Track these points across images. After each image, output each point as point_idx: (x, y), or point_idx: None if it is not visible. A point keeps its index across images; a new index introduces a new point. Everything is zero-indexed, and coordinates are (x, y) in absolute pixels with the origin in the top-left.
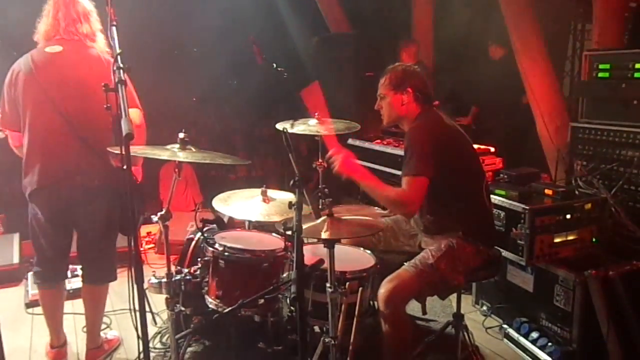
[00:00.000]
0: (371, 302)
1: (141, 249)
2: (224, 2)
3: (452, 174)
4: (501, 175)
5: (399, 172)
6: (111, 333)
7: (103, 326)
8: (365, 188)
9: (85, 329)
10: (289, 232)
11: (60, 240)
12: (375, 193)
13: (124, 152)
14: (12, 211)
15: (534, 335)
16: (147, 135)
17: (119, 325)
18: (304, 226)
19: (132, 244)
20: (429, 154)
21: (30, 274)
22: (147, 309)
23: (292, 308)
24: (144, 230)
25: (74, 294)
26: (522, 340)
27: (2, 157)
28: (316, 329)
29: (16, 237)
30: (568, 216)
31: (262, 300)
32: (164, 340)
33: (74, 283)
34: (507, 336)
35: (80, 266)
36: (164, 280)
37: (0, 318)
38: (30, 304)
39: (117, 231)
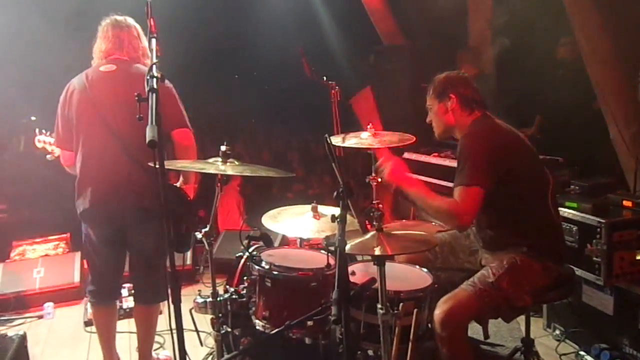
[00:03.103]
0: (429, 325)
1: (197, 267)
2: (276, 18)
3: (511, 183)
4: (572, 186)
5: None
6: (163, 353)
7: (156, 345)
8: (415, 198)
9: (138, 349)
10: (332, 248)
11: (112, 259)
12: (425, 203)
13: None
14: (77, 230)
15: None
16: (205, 155)
17: (172, 346)
18: (353, 242)
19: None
20: (484, 163)
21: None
22: (194, 329)
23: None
24: (200, 249)
25: (129, 313)
26: None
27: (68, 177)
28: (370, 352)
29: (78, 255)
30: None
31: (310, 322)
32: None
33: (130, 302)
34: None
35: (132, 284)
36: (210, 299)
37: (60, 335)
38: (88, 323)
39: (166, 251)
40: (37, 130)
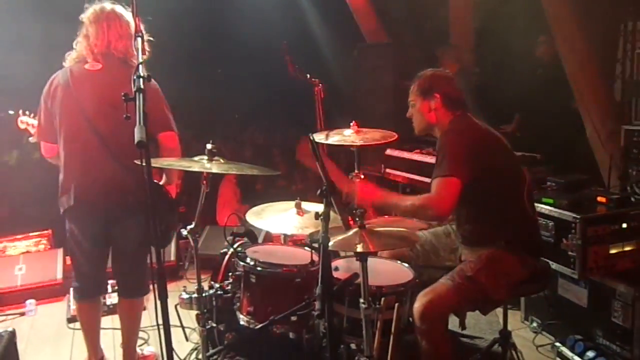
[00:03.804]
0: (410, 319)
1: (180, 263)
2: (260, 14)
3: (489, 178)
4: (548, 183)
5: None
6: (148, 349)
7: (140, 342)
8: (390, 207)
9: (122, 345)
10: (316, 245)
11: (96, 256)
12: (400, 208)
13: (142, 162)
14: (59, 227)
15: (590, 354)
16: (186, 150)
17: (156, 341)
18: (335, 239)
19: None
20: (462, 156)
21: (72, 289)
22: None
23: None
24: (184, 245)
25: (113, 310)
26: (577, 359)
27: (49, 174)
28: (353, 346)
29: (60, 252)
30: (624, 225)
31: (294, 317)
32: (199, 357)
33: (114, 298)
34: (560, 355)
35: (115, 280)
36: (195, 295)
37: (42, 332)
38: (71, 319)
39: (150, 246)
40: (20, 111)
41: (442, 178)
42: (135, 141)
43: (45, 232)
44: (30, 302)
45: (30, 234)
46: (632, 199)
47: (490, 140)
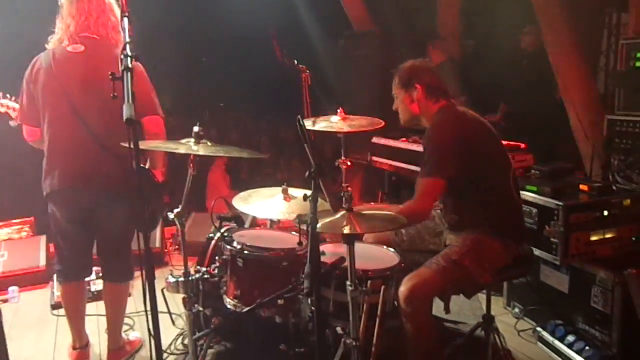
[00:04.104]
0: (396, 303)
1: (165, 250)
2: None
3: (475, 168)
4: (532, 171)
5: None
6: (133, 334)
7: (125, 327)
8: None
9: (107, 330)
10: (304, 226)
11: (79, 240)
12: None
13: (130, 141)
14: (41, 213)
15: (570, 338)
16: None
17: (142, 327)
18: (323, 221)
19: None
20: (448, 152)
21: (55, 276)
22: (167, 310)
23: (313, 309)
24: (168, 232)
25: (98, 296)
26: (557, 343)
27: (31, 161)
28: (339, 330)
29: (43, 239)
30: (605, 213)
31: (281, 301)
32: (185, 342)
33: (98, 285)
34: (541, 339)
35: (100, 265)
36: (181, 279)
37: (26, 319)
38: (55, 306)
39: (134, 232)
40: (0, 94)
41: (425, 179)
42: (124, 118)
43: (28, 219)
44: (13, 289)
45: (12, 221)
46: (614, 187)
47: (477, 130)
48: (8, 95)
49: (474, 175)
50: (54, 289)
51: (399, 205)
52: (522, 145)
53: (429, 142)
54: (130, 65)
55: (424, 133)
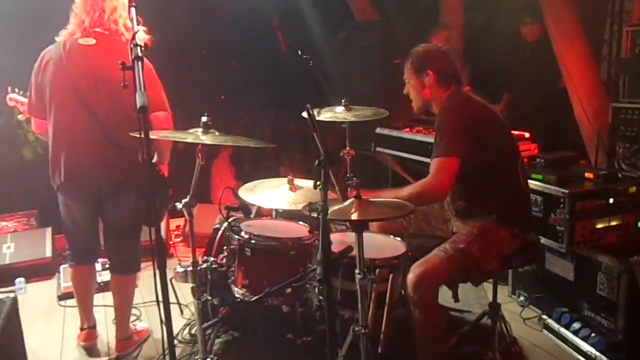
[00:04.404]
0: (403, 292)
1: (170, 242)
2: None
3: (485, 154)
4: (537, 159)
5: (428, 160)
6: (140, 325)
7: (133, 318)
8: None
9: (114, 321)
10: (314, 214)
11: (88, 230)
12: (398, 199)
13: (141, 129)
14: (45, 206)
15: (576, 325)
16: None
17: (149, 317)
18: (332, 208)
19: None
20: (461, 134)
21: (62, 267)
22: (175, 300)
23: (320, 297)
24: (173, 223)
25: (105, 287)
26: (563, 331)
27: (33, 154)
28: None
29: (49, 231)
30: (611, 200)
31: (289, 290)
32: (192, 331)
33: (105, 276)
34: (547, 327)
35: (107, 256)
36: (190, 268)
37: (33, 310)
38: (62, 297)
39: (141, 224)
40: (9, 89)
41: (441, 158)
42: (138, 106)
43: (32, 211)
44: (20, 281)
45: (17, 214)
46: (619, 175)
47: (487, 116)
48: (17, 90)
49: (483, 160)
50: (61, 280)
51: (409, 185)
52: (527, 135)
53: (443, 125)
54: (140, 54)
55: (434, 120)
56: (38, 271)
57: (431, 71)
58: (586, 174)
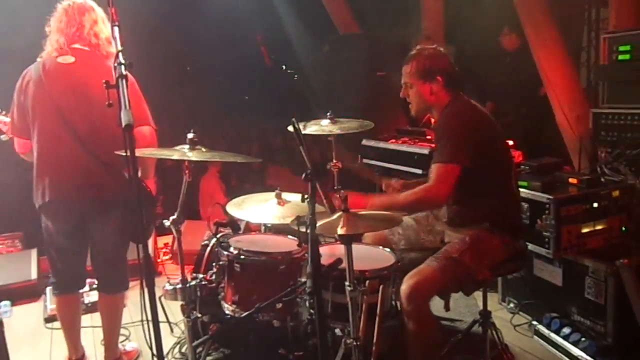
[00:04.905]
0: (393, 303)
1: (158, 260)
2: (230, 8)
3: (484, 162)
4: (522, 167)
5: (415, 170)
6: (130, 345)
7: (122, 338)
8: (387, 208)
9: (103, 342)
10: (303, 228)
11: (73, 251)
12: (397, 205)
13: (127, 147)
14: (30, 228)
15: (566, 330)
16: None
17: (138, 337)
18: (320, 222)
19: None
20: (463, 140)
21: (48, 289)
22: (164, 319)
23: (311, 311)
24: (161, 241)
25: (92, 308)
26: (554, 336)
27: (19, 175)
28: (337, 332)
29: (34, 253)
30: (595, 205)
31: (280, 305)
32: (183, 350)
33: (92, 296)
34: (538, 333)
35: (95, 276)
36: (179, 286)
37: (19, 333)
38: (49, 319)
39: (128, 241)
40: None
41: (442, 164)
42: (123, 124)
43: (17, 233)
44: (5, 304)
45: (1, 236)
46: (602, 180)
47: (486, 123)
48: (0, 110)
49: (482, 167)
50: (47, 302)
51: (408, 191)
52: (511, 142)
53: (445, 130)
54: (124, 73)
55: (419, 134)
56: (24, 294)
57: (440, 77)
58: (570, 180)
